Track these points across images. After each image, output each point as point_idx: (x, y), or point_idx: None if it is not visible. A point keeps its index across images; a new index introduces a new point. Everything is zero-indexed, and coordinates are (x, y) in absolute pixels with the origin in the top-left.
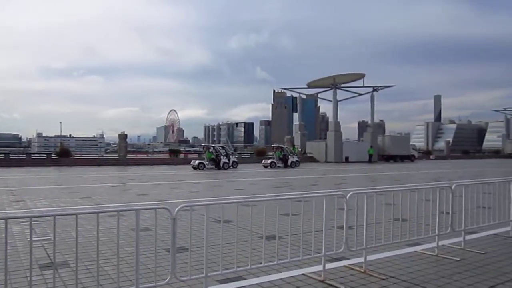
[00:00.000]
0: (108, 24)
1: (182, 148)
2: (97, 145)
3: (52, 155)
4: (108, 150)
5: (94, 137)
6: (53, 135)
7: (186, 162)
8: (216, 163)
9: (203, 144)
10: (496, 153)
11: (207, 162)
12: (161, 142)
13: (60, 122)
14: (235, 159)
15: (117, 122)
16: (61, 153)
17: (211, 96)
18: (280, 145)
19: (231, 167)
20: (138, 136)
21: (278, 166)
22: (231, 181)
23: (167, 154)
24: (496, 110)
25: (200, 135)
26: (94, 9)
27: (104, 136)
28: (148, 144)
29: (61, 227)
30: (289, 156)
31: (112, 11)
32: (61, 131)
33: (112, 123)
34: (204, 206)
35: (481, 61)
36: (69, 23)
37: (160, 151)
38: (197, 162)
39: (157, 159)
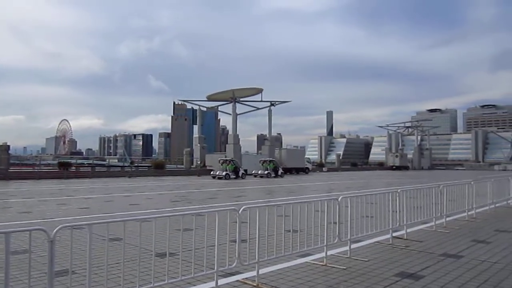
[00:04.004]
0: None
1: (73, 161)
2: None
3: None
4: None
5: None
6: None
7: (78, 175)
8: (236, 173)
9: (221, 159)
10: (380, 165)
11: (230, 173)
12: (51, 154)
13: None
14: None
15: None
16: None
17: (107, 106)
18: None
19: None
20: (24, 148)
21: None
22: (126, 195)
23: (57, 167)
24: (380, 126)
25: (95, 146)
26: None
27: None
28: (36, 156)
29: None
30: None
31: None
32: None
33: None
34: (87, 225)
35: (369, 80)
36: None
37: (49, 163)
38: (224, 173)
39: (45, 172)
